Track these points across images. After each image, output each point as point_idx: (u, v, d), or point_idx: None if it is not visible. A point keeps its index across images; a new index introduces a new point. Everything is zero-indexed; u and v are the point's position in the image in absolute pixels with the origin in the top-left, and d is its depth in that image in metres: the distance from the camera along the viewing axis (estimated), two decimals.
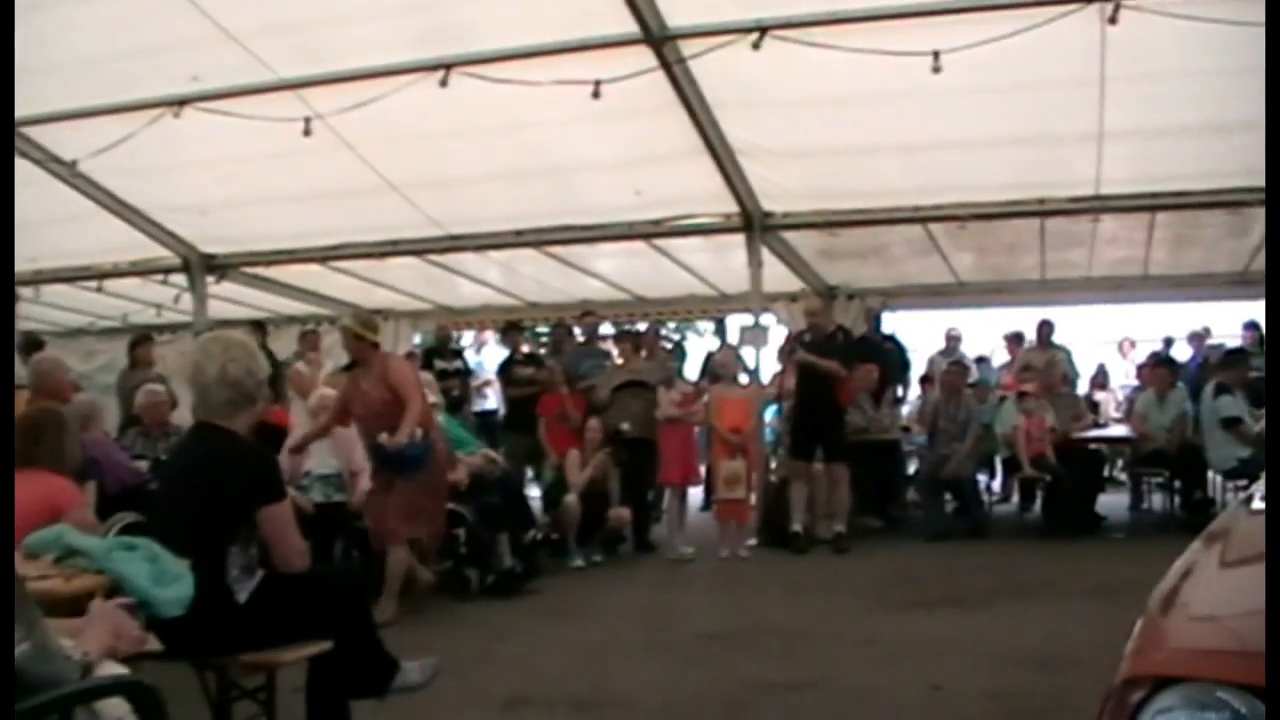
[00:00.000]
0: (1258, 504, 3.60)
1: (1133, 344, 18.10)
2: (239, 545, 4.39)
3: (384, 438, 8.31)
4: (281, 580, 4.49)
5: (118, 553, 3.98)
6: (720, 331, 18.20)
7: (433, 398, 10.19)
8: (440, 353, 15.01)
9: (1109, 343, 18.92)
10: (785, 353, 12.70)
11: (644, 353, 13.02)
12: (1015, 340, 16.20)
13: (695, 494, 13.27)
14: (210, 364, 4.51)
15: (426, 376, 11.89)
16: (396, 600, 8.23)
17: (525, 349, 14.86)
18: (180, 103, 10.05)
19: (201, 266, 13.94)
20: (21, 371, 9.20)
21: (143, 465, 9.13)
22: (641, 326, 14.69)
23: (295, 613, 4.45)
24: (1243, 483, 10.57)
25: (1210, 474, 12.53)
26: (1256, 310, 14.98)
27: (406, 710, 5.27)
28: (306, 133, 10.01)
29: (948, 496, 13.23)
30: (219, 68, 9.65)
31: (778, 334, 12.79)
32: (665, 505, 12.84)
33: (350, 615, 4.62)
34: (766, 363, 13.11)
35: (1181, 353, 16.38)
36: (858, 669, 6.73)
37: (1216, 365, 13.48)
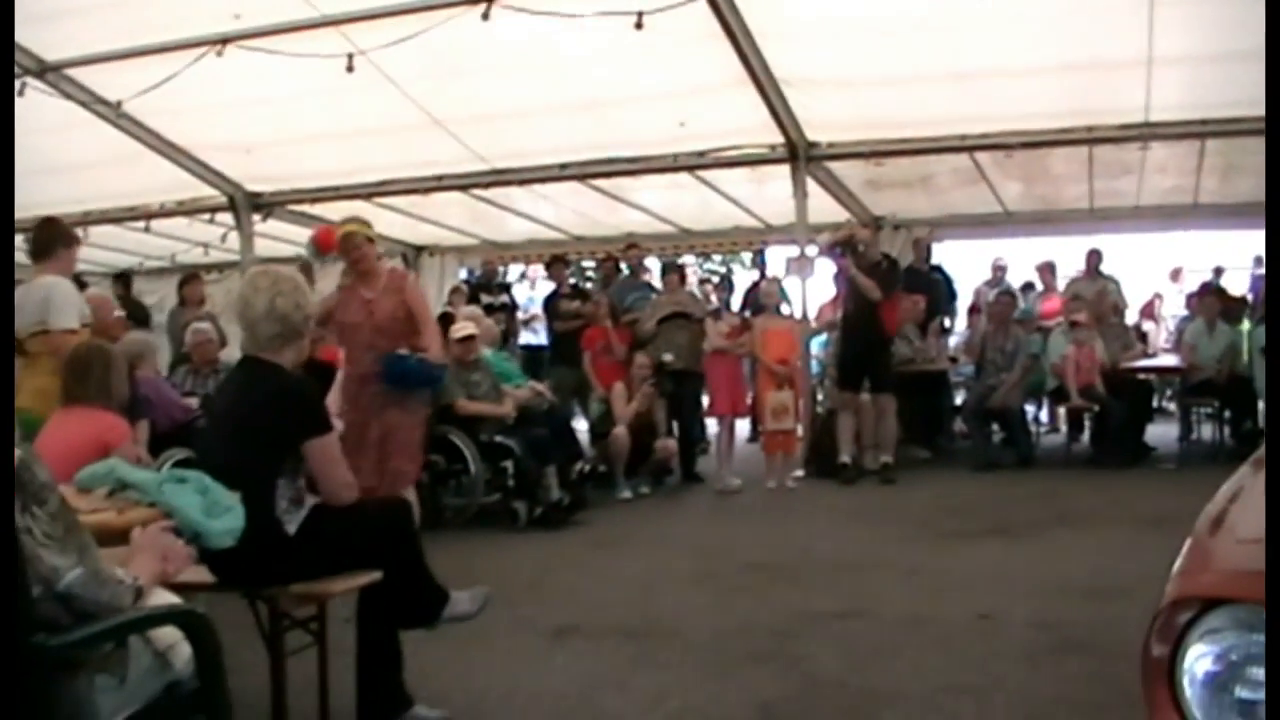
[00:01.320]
0: None
1: (1183, 274, 17.94)
2: (287, 477, 4.41)
3: (403, 354, 7.42)
4: (330, 512, 4.52)
5: (169, 485, 4.01)
6: (760, 263, 18.13)
7: (471, 329, 10.23)
8: (486, 287, 15.03)
9: (1159, 272, 18.78)
10: (831, 250, 12.34)
11: (625, 273, 13.17)
12: (1049, 270, 16.09)
13: (742, 426, 13.28)
14: (258, 298, 4.52)
15: (473, 309, 11.95)
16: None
17: (571, 282, 14.86)
18: (223, 41, 10.02)
19: (247, 205, 13.99)
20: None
21: (193, 402, 9.22)
22: (689, 259, 14.68)
23: (344, 544, 4.48)
24: None
25: (1260, 404, 12.43)
26: None
27: (457, 640, 5.32)
28: (349, 69, 9.98)
29: (994, 427, 13.20)
30: (261, 5, 9.65)
31: (824, 265, 12.70)
32: (712, 437, 12.87)
33: (400, 546, 4.64)
34: (813, 294, 13.07)
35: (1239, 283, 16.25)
36: (904, 598, 6.75)
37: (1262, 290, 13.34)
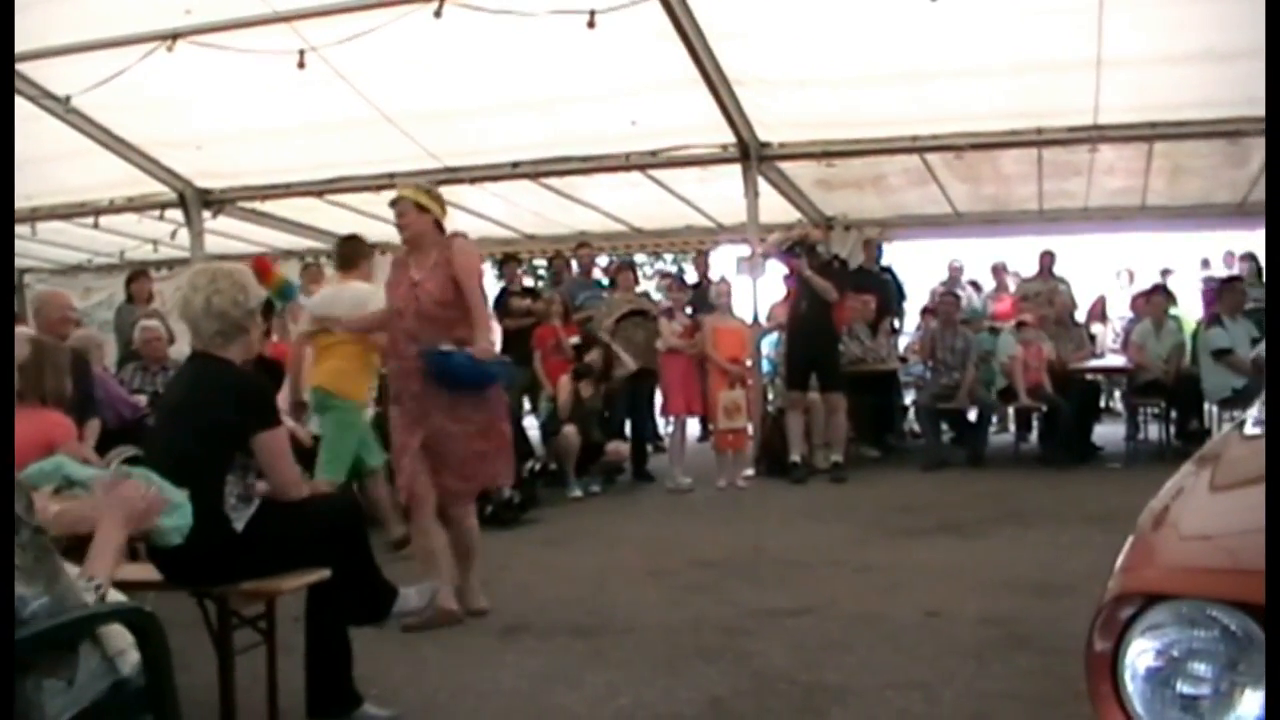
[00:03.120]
0: (1250, 429, 3.62)
1: (1132, 275, 18.08)
2: (235, 474, 4.41)
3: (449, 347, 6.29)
4: (279, 509, 4.51)
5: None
6: (704, 264, 18.15)
7: None
8: None
9: (1107, 273, 18.94)
10: (780, 252, 12.38)
11: (576, 272, 13.22)
12: (1002, 270, 16.28)
13: (693, 425, 13.32)
14: (197, 296, 4.51)
15: None
16: (475, 579, 6.72)
17: (524, 281, 14.85)
18: (174, 36, 9.97)
19: (197, 201, 13.90)
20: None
21: (141, 400, 9.15)
22: (640, 258, 14.70)
23: (293, 541, 4.47)
24: (1238, 412, 10.62)
25: (1206, 404, 12.56)
26: (1254, 241, 15.00)
27: (407, 638, 5.33)
28: (301, 65, 9.97)
29: (944, 426, 13.30)
30: (212, 0, 9.59)
31: (774, 266, 12.74)
32: (664, 435, 12.90)
33: (349, 543, 4.63)
34: (763, 294, 13.12)
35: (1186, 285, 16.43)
36: (855, 595, 6.78)
37: (1213, 295, 13.48)
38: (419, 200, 6.54)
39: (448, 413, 6.34)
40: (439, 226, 6.58)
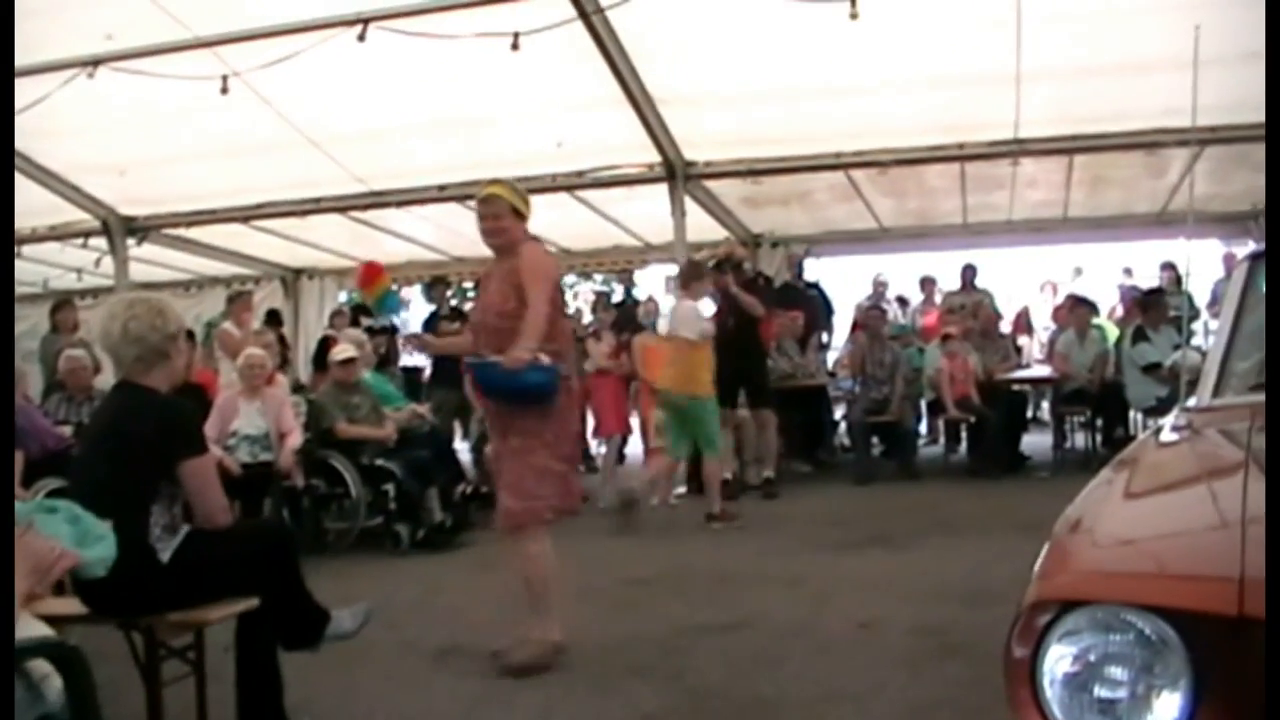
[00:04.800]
0: (1166, 435, 3.69)
1: (1055, 288, 18.31)
2: (161, 504, 4.37)
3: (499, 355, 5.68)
4: (206, 537, 4.48)
5: (38, 516, 3.94)
6: (628, 286, 18.24)
7: (351, 352, 10.19)
8: (367, 310, 14.93)
9: (1032, 285, 19.18)
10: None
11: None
12: (930, 284, 16.47)
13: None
14: (114, 324, 4.49)
15: (356, 333, 11.87)
16: (551, 617, 5.96)
17: (452, 303, 14.83)
18: (95, 62, 9.86)
19: (121, 229, 13.76)
20: None
21: (66, 430, 9.07)
22: (570, 279, 14.71)
23: (221, 569, 4.44)
24: (1163, 419, 10.75)
25: (1131, 412, 12.72)
26: (1174, 250, 15.22)
27: (339, 663, 5.29)
28: (224, 90, 9.88)
29: (875, 439, 13.39)
30: (133, 26, 9.48)
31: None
32: (596, 455, 12.90)
33: (278, 570, 4.60)
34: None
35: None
36: (787, 609, 6.81)
37: (1136, 307, 13.66)
38: (515, 203, 6.01)
39: (505, 428, 5.91)
40: (523, 222, 6.07)
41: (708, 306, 11.00)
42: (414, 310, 17.78)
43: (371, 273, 7.55)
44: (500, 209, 5.93)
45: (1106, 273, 18.33)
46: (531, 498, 5.81)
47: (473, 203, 12.67)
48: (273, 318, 14.77)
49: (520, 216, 6.00)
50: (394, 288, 7.33)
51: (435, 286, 14.73)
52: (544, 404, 5.77)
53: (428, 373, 14.96)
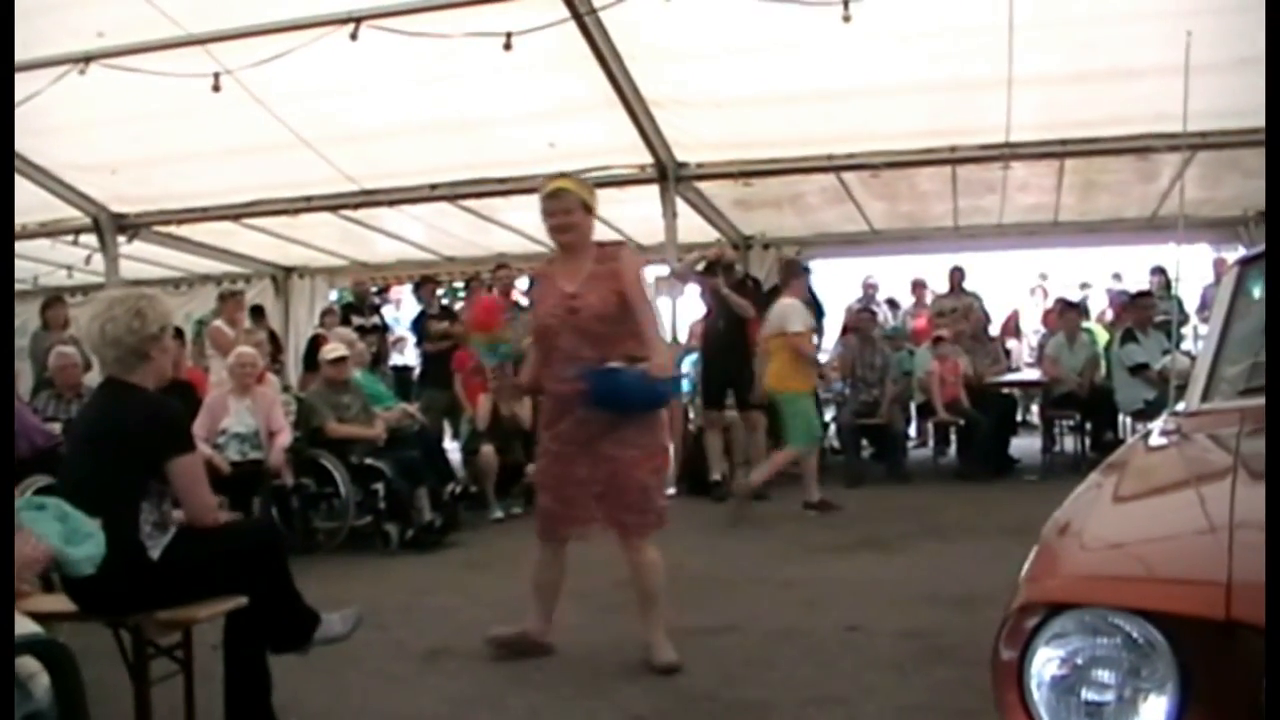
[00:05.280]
0: (1155, 439, 3.70)
1: (1046, 292, 18.34)
2: (150, 501, 4.35)
3: (625, 365, 5.55)
4: (195, 536, 4.47)
5: (26, 513, 3.94)
6: None
7: (342, 351, 10.18)
8: (358, 309, 14.93)
9: (1023, 289, 19.21)
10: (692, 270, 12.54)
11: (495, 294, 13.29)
12: (921, 287, 16.50)
13: None
14: (94, 325, 4.49)
15: (347, 332, 11.86)
16: (660, 629, 5.86)
17: (443, 303, 14.82)
18: (86, 59, 9.85)
19: (112, 226, 13.74)
20: None
21: (55, 427, 9.05)
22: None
23: (210, 568, 4.43)
24: (1152, 423, 10.77)
25: (1120, 415, 12.75)
26: (1164, 255, 15.25)
27: (328, 664, 5.28)
28: (216, 88, 9.86)
29: (864, 442, 13.40)
30: (125, 23, 9.48)
31: (693, 286, 12.79)
32: None
33: (267, 570, 4.58)
34: (682, 313, 13.18)
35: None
36: (777, 612, 6.82)
37: (1123, 309, 13.70)
38: (585, 197, 5.86)
39: (615, 439, 5.64)
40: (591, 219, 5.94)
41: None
42: (403, 310, 17.71)
43: (483, 316, 6.97)
44: (571, 204, 5.78)
45: (1096, 278, 18.37)
46: (646, 511, 5.77)
47: (466, 201, 12.83)
48: (256, 313, 14.71)
49: (589, 211, 5.88)
50: (505, 337, 6.68)
51: (425, 285, 14.71)
52: (648, 413, 5.75)
53: (418, 372, 14.97)
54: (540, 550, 6.07)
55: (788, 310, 10.71)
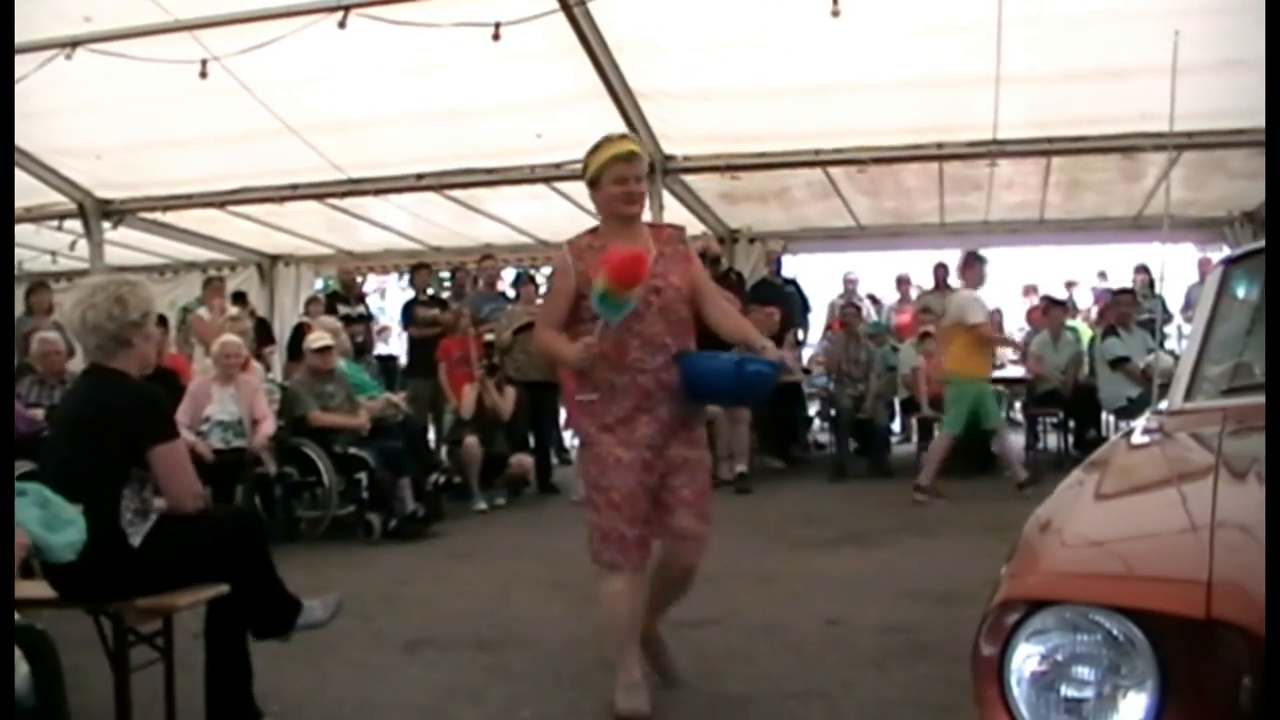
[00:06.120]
0: (1138, 438, 3.70)
1: (1033, 289, 18.35)
2: (132, 488, 4.34)
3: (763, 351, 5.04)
4: (177, 523, 4.45)
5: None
6: None
7: (327, 340, 10.17)
8: (344, 298, 14.90)
9: (1008, 286, 19.26)
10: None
11: (480, 285, 13.34)
12: (905, 283, 16.53)
13: None
14: (76, 311, 4.48)
15: (331, 321, 11.84)
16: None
17: (429, 290, 14.81)
18: (73, 44, 9.82)
19: (97, 212, 13.68)
20: None
21: (38, 414, 9.02)
22: (547, 270, 14.66)
23: (191, 555, 4.41)
24: (1134, 420, 10.80)
25: (1103, 413, 12.78)
26: (1148, 253, 15.29)
27: (309, 653, 5.28)
28: (203, 75, 9.85)
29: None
30: (112, 8, 9.48)
31: None
32: (570, 447, 12.90)
33: (248, 557, 4.57)
34: None
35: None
36: (758, 606, 6.82)
37: (1106, 306, 13.74)
38: (642, 161, 5.11)
39: (686, 439, 5.01)
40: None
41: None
42: (388, 299, 17.72)
43: (643, 268, 5.60)
44: (644, 170, 5.10)
45: (1082, 276, 18.43)
46: (707, 517, 5.11)
47: (453, 191, 12.77)
48: (239, 299, 14.67)
49: (642, 180, 5.16)
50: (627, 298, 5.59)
51: (419, 272, 14.68)
52: (701, 410, 5.29)
53: (403, 362, 14.95)
54: (609, 579, 5.01)
55: (966, 302, 10.97)
